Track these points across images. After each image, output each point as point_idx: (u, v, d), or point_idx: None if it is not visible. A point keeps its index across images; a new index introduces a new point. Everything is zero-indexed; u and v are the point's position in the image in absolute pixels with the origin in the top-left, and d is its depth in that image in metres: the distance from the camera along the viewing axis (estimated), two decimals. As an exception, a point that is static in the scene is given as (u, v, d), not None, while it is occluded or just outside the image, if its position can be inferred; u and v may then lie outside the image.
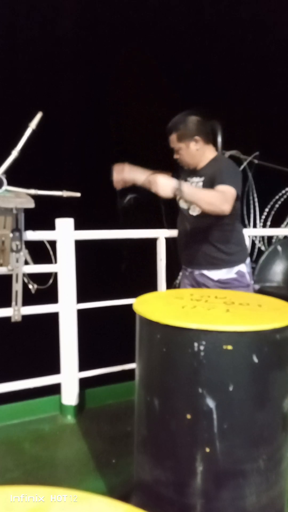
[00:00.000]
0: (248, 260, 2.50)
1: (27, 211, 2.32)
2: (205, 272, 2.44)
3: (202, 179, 2.37)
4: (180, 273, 3.86)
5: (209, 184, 2.29)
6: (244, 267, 2.44)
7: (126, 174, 2.44)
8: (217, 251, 2.40)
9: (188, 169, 2.45)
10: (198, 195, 2.15)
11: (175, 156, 2.43)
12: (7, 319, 2.46)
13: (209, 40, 7.24)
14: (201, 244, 2.42)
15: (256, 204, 4.97)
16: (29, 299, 2.47)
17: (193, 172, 2.44)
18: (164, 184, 2.04)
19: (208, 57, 7.17)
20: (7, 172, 2.30)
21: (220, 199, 2.14)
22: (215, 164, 2.38)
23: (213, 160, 2.40)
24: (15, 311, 2.45)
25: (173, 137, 2.38)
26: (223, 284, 2.41)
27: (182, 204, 2.46)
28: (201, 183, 2.37)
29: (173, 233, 2.82)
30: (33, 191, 2.35)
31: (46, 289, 2.51)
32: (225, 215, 2.22)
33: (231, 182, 2.21)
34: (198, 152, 2.37)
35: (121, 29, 7.32)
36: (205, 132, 2.39)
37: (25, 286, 2.45)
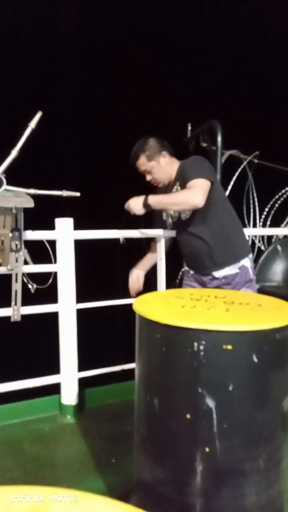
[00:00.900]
0: (251, 254, 2.53)
1: (26, 210, 2.31)
2: (213, 272, 2.46)
3: (178, 184, 2.49)
4: (180, 273, 3.86)
5: (184, 185, 2.40)
6: (247, 262, 2.47)
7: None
8: (220, 250, 2.41)
9: (164, 186, 2.57)
10: (165, 201, 2.35)
11: (148, 178, 2.56)
12: (7, 319, 2.46)
13: (209, 40, 7.24)
14: (203, 247, 2.44)
15: (256, 203, 4.97)
16: (28, 299, 2.47)
17: (170, 185, 2.55)
18: (134, 204, 2.37)
19: (208, 57, 7.17)
20: (7, 172, 2.30)
21: (187, 195, 2.29)
22: (181, 167, 2.51)
23: (179, 167, 2.54)
24: (15, 311, 2.45)
25: (142, 160, 2.51)
26: (226, 279, 2.43)
27: (175, 217, 2.55)
28: (179, 188, 2.47)
29: (174, 233, 2.83)
30: (32, 191, 2.35)
31: (45, 289, 2.51)
32: (210, 208, 2.38)
33: (197, 174, 2.33)
34: (168, 165, 2.52)
35: (121, 28, 7.32)
36: (167, 146, 2.55)
37: (24, 285, 2.45)
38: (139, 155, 2.52)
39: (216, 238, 2.42)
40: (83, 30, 7.40)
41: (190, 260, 2.61)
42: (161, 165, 2.51)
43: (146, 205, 2.36)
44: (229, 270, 2.44)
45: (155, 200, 2.36)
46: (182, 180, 2.43)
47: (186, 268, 2.68)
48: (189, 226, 2.47)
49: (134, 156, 2.53)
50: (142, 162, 2.52)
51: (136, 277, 2.75)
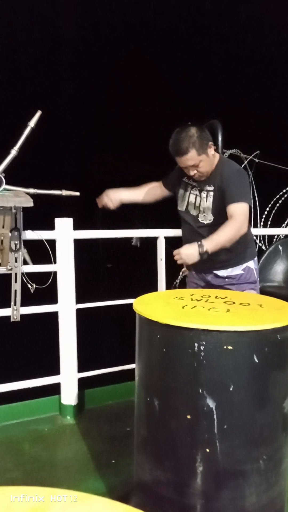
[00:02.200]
0: (256, 257, 2.52)
1: (26, 210, 2.31)
2: (215, 271, 2.45)
3: (212, 188, 2.34)
4: (181, 273, 3.85)
5: (219, 196, 2.30)
6: (252, 264, 2.46)
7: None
8: (227, 253, 2.39)
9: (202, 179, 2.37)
10: (221, 242, 2.21)
11: (192, 173, 2.32)
12: (6, 319, 2.45)
13: (209, 41, 7.25)
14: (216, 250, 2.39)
15: (257, 203, 4.97)
16: (28, 299, 2.46)
17: (203, 181, 2.38)
18: (188, 255, 2.16)
19: (208, 58, 7.18)
20: (6, 171, 2.29)
21: (237, 228, 2.21)
22: (221, 171, 2.34)
23: (218, 164, 2.37)
24: (14, 311, 2.44)
25: (192, 155, 2.25)
26: (230, 280, 2.42)
27: (192, 212, 2.43)
28: (212, 193, 2.35)
29: (174, 232, 2.82)
30: (32, 190, 2.34)
31: (45, 289, 2.50)
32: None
33: (242, 196, 2.24)
34: (214, 156, 2.34)
35: (121, 29, 7.33)
36: (209, 135, 2.35)
37: (24, 285, 2.45)
38: (188, 149, 2.23)
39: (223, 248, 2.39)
40: (83, 31, 7.41)
41: None
42: (209, 158, 2.29)
43: (204, 253, 2.16)
44: (232, 271, 2.43)
45: (212, 244, 2.18)
46: (219, 188, 2.29)
47: None
48: (206, 228, 2.38)
49: (182, 150, 2.24)
50: (192, 157, 2.25)
51: (109, 196, 2.47)
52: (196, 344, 1.35)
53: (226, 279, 2.44)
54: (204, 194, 2.38)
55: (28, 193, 2.31)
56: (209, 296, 1.74)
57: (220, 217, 2.33)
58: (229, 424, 1.39)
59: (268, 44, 6.99)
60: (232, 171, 2.37)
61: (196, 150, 2.24)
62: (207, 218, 2.39)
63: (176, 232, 2.79)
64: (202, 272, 2.51)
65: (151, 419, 1.54)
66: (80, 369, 2.71)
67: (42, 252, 2.50)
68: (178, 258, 2.19)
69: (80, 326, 2.69)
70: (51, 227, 2.58)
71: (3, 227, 2.30)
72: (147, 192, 2.59)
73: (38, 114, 2.32)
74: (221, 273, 2.44)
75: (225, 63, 7.02)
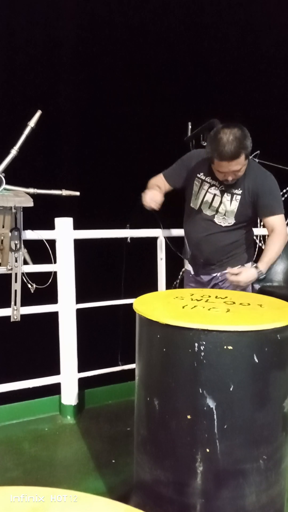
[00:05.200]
0: (252, 261, 2.52)
1: (26, 210, 2.31)
2: (212, 274, 2.45)
3: (241, 192, 2.26)
4: (181, 273, 3.86)
5: (249, 201, 2.24)
6: (249, 265, 2.45)
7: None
8: (236, 255, 2.40)
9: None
10: (273, 258, 2.23)
11: (230, 179, 2.17)
12: (6, 319, 2.45)
13: (208, 41, 7.25)
14: (213, 252, 2.39)
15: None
16: (28, 298, 2.46)
17: (226, 183, 2.26)
18: (246, 279, 2.17)
19: (207, 58, 7.18)
20: (6, 171, 2.29)
21: (283, 242, 2.23)
22: (249, 174, 2.24)
23: (247, 169, 2.24)
24: (14, 311, 2.44)
25: (241, 159, 2.08)
26: (222, 276, 2.42)
27: (206, 211, 2.37)
28: (239, 197, 2.27)
29: (174, 232, 2.82)
30: (32, 190, 2.34)
31: (45, 289, 2.50)
32: (253, 221, 2.37)
33: (280, 207, 2.24)
34: None
35: (121, 29, 7.33)
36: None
37: (24, 285, 2.45)
38: (240, 153, 2.04)
39: (237, 246, 2.38)
40: (83, 31, 7.42)
41: (192, 255, 2.55)
42: (246, 163, 2.15)
43: (260, 273, 2.19)
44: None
45: (266, 265, 2.20)
46: (251, 193, 2.23)
47: (187, 268, 2.66)
48: (222, 231, 2.35)
49: (233, 154, 2.04)
50: (240, 162, 2.08)
51: (152, 195, 2.31)
52: (196, 344, 1.35)
53: (219, 277, 2.44)
54: (228, 197, 2.29)
55: (28, 193, 2.31)
56: (209, 296, 1.74)
57: (241, 221, 2.31)
58: (229, 423, 1.39)
59: (268, 45, 7.00)
60: (266, 177, 2.28)
61: (245, 155, 2.09)
62: (226, 221, 2.32)
63: (176, 232, 2.79)
64: (201, 274, 2.51)
65: (151, 419, 1.54)
66: (80, 369, 2.71)
67: (42, 252, 2.50)
68: (235, 281, 2.17)
69: (80, 326, 2.69)
70: (51, 227, 2.58)
71: (3, 227, 2.30)
72: (161, 189, 2.45)
73: (38, 113, 2.32)
74: (215, 273, 2.44)
75: (225, 63, 7.03)
